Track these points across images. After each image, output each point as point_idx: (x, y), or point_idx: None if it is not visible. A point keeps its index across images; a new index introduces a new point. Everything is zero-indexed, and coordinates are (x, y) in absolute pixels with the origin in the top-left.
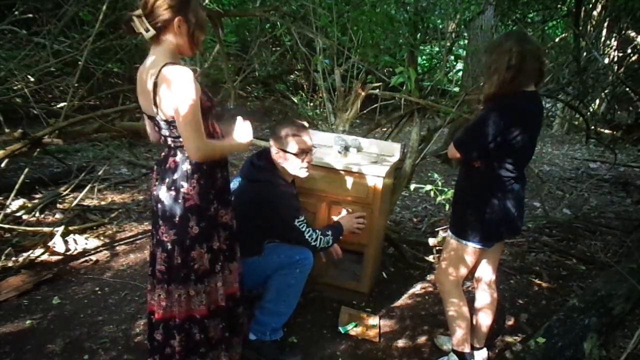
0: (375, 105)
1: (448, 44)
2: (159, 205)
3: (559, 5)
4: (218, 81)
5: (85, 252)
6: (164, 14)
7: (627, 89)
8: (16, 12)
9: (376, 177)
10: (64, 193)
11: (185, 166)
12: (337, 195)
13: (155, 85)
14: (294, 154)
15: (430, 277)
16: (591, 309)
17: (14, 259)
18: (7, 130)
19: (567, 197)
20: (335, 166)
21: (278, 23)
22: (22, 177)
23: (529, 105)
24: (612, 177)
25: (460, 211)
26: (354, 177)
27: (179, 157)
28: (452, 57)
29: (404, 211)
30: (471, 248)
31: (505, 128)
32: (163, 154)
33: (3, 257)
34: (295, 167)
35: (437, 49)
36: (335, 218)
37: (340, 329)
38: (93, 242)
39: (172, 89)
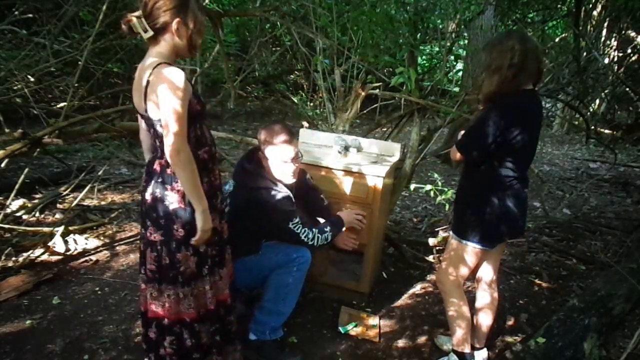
0: (375, 105)
1: (448, 44)
2: (145, 207)
3: (559, 5)
4: (218, 81)
5: (85, 252)
6: (163, 16)
7: (627, 89)
8: (16, 12)
9: (376, 177)
10: (64, 193)
11: (170, 169)
12: (337, 196)
13: (148, 83)
14: (275, 162)
15: (430, 277)
16: (591, 309)
17: (14, 259)
18: (7, 130)
19: (567, 197)
20: (335, 166)
21: (278, 23)
22: (22, 177)
23: (530, 104)
24: (612, 177)
25: (461, 211)
26: (354, 177)
27: (164, 159)
28: (452, 57)
29: (404, 211)
30: (471, 248)
31: (506, 127)
32: (152, 155)
33: (3, 257)
34: (278, 173)
35: (437, 49)
36: None
37: (340, 329)
38: (93, 242)
39: (161, 89)
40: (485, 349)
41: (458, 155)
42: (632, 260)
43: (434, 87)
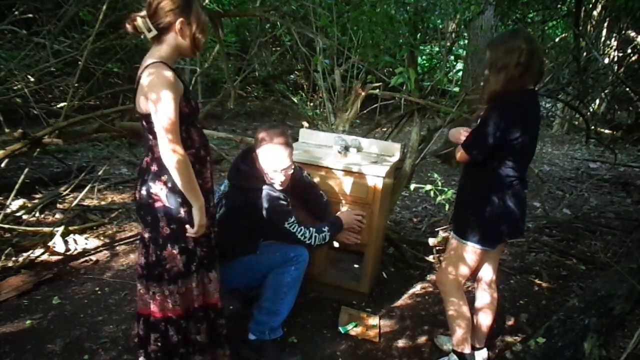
0: (375, 105)
1: (448, 44)
2: (136, 204)
3: (559, 5)
4: (218, 81)
5: (85, 252)
6: (167, 16)
7: (627, 89)
8: (16, 12)
9: (376, 177)
10: (64, 193)
11: (154, 167)
12: (337, 196)
13: (140, 83)
14: (267, 167)
15: (430, 277)
16: (591, 309)
17: (14, 259)
18: (7, 130)
19: (567, 197)
20: (335, 166)
21: (278, 23)
22: (22, 177)
23: (532, 104)
24: (612, 177)
25: (461, 211)
26: (354, 177)
27: (150, 157)
28: (452, 57)
29: (404, 211)
30: (471, 248)
31: (508, 126)
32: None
33: (3, 257)
34: (269, 177)
35: (437, 49)
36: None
37: (340, 329)
38: (93, 242)
39: (150, 90)
40: (485, 349)
41: (464, 156)
42: (632, 260)
43: (434, 87)
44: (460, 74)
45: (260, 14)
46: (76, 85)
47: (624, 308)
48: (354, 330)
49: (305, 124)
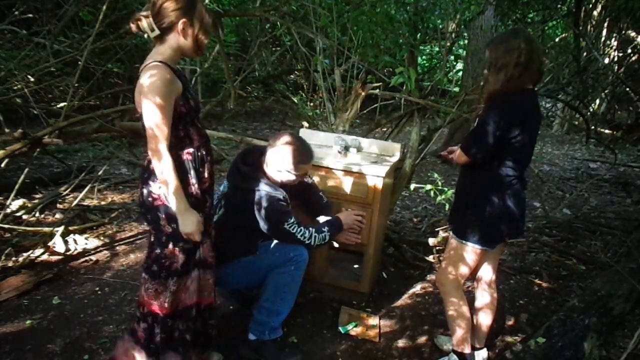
0: (375, 105)
1: (448, 44)
2: (139, 203)
3: (559, 5)
4: (218, 81)
5: (85, 252)
6: (170, 16)
7: (627, 89)
8: (16, 12)
9: (376, 177)
10: (64, 193)
11: (152, 165)
12: (337, 196)
13: (137, 82)
14: (295, 176)
15: (430, 277)
16: (591, 309)
17: (14, 259)
18: (7, 130)
19: (567, 197)
20: (335, 166)
21: (278, 23)
22: (22, 177)
23: (532, 104)
24: (612, 177)
25: (461, 211)
26: (354, 177)
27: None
28: (452, 57)
29: (404, 211)
30: (471, 248)
31: (508, 125)
32: None
33: (3, 257)
34: (277, 174)
35: (437, 49)
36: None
37: (340, 329)
38: (93, 242)
39: (143, 89)
40: (485, 349)
41: (463, 158)
42: (632, 260)
43: (434, 87)
44: (460, 74)
45: (260, 14)
46: (76, 85)
47: (624, 308)
48: (354, 330)
49: (305, 124)
